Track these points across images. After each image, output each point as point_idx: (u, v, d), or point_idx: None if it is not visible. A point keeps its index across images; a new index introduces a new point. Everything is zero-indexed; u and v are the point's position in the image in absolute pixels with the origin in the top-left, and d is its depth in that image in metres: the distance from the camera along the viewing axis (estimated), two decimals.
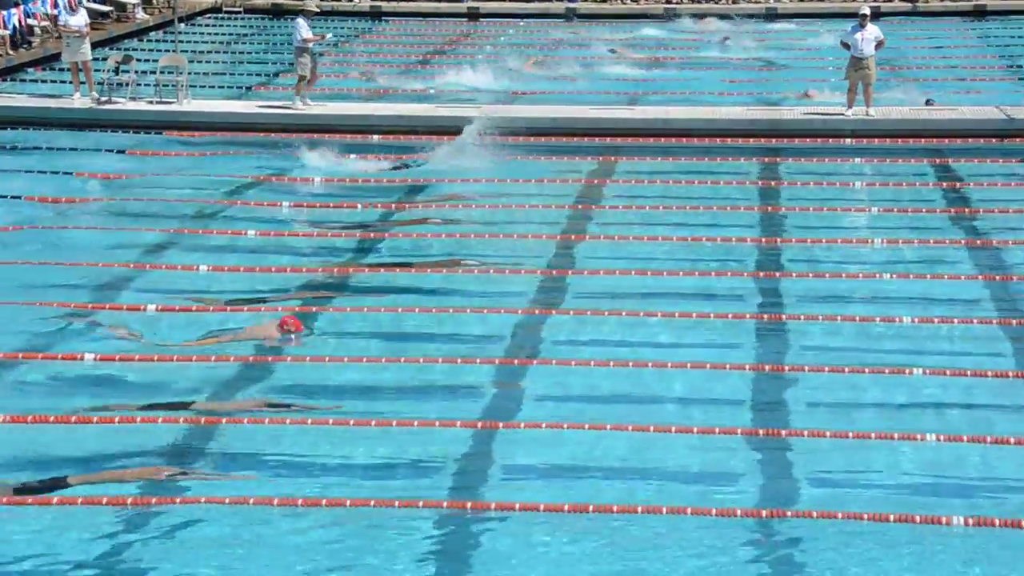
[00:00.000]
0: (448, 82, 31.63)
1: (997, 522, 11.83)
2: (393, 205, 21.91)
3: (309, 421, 13.86)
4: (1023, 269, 18.61)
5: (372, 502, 12.21)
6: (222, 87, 31.06)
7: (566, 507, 12.09)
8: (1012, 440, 13.44)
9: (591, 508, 12.06)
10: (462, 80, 31.84)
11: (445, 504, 12.23)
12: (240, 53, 36.04)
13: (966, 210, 21.64)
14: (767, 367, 15.29)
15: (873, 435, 13.52)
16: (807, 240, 19.99)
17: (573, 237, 20.16)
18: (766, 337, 16.26)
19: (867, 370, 15.14)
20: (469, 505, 12.23)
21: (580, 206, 21.82)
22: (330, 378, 14.97)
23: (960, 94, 29.79)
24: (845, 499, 12.33)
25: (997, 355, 15.70)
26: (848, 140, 26.23)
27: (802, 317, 16.86)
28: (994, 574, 11.18)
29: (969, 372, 15.06)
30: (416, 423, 13.81)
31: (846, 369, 15.17)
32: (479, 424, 13.86)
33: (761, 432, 13.71)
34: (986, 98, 28.87)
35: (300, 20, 27.41)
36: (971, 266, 18.79)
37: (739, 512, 12.05)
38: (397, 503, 12.18)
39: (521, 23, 40.09)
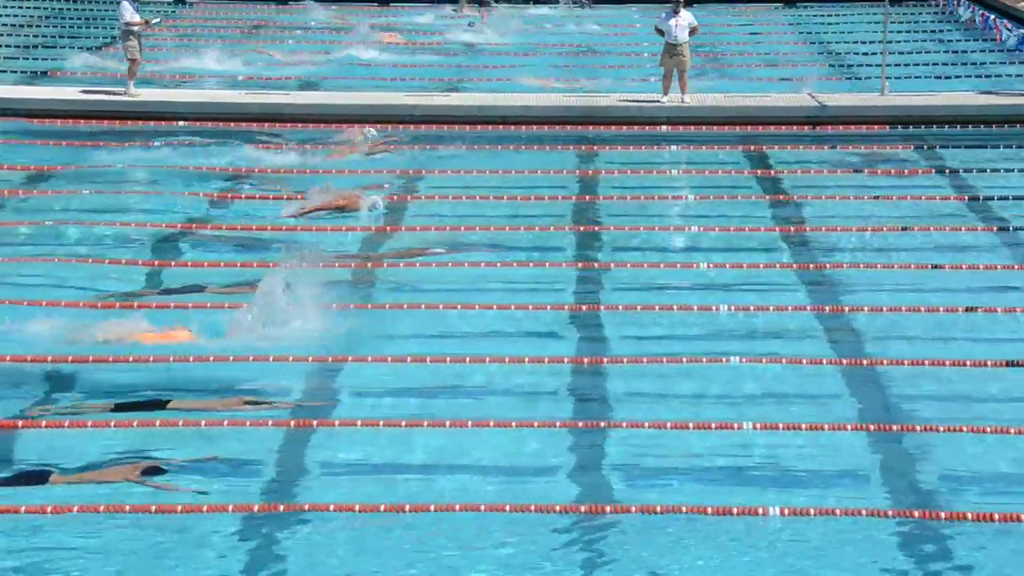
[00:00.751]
0: (260, 68, 31.20)
1: (812, 511, 11.78)
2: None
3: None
4: (837, 256, 18.73)
5: (179, 508, 11.82)
6: (14, 71, 30.16)
7: (382, 507, 11.81)
8: (826, 426, 13.45)
9: (408, 508, 11.82)
10: (271, 65, 31.47)
11: (256, 507, 11.89)
12: (35, 36, 35.01)
13: (780, 197, 21.76)
14: (585, 360, 15.14)
15: (691, 424, 13.45)
16: (625, 228, 19.91)
17: (389, 229, 19.84)
18: (584, 328, 16.12)
19: (684, 359, 15.08)
20: (282, 507, 11.90)
21: (395, 197, 21.47)
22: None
23: (773, 81, 30.03)
24: (665, 491, 12.23)
25: (813, 341, 15.75)
26: (663, 127, 26.27)
27: (620, 307, 16.76)
28: (811, 565, 11.11)
29: (784, 359, 15.07)
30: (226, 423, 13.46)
31: (664, 359, 15.08)
32: (292, 423, 13.53)
33: (580, 424, 13.56)
34: (798, 85, 29.12)
35: (124, 3, 26.80)
36: (787, 254, 18.86)
37: (558, 508, 11.86)
38: (205, 507, 11.81)
39: (333, 7, 39.37)
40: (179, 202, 21.00)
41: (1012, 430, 13.30)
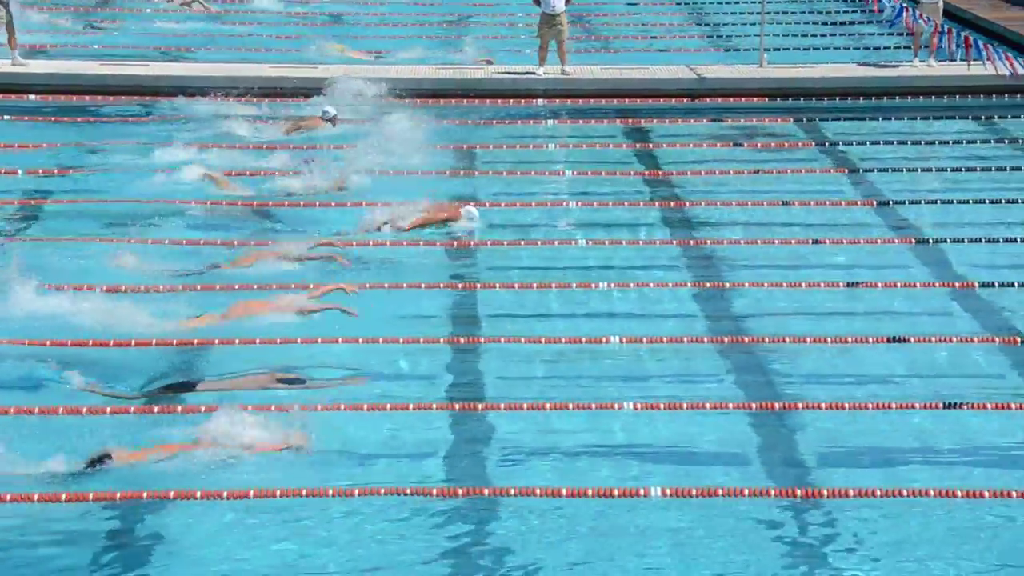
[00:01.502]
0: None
1: (695, 492, 11.56)
2: None
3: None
4: (717, 232, 18.48)
5: (35, 496, 11.38)
6: None
7: (251, 492, 11.43)
8: (708, 405, 13.24)
9: (278, 493, 11.44)
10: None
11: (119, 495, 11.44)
12: None
13: (659, 172, 21.50)
14: (461, 339, 14.77)
15: (571, 405, 13.14)
16: (501, 204, 19.53)
17: (256, 203, 19.30)
18: (461, 306, 15.74)
19: (564, 339, 14.76)
20: (145, 494, 11.46)
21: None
22: None
23: (652, 52, 29.79)
24: (540, 471, 11.95)
25: (692, 319, 15.52)
26: (540, 100, 25.90)
27: (497, 285, 16.39)
28: (692, 545, 10.88)
29: (665, 339, 14.80)
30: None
31: (543, 339, 14.73)
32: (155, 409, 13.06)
33: (457, 407, 13.23)
34: (677, 57, 28.91)
35: None
36: (666, 230, 18.60)
37: (409, 490, 11.55)
38: (64, 496, 11.40)
39: None
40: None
41: (894, 405, 13.11)
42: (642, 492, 11.54)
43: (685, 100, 26.16)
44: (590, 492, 11.52)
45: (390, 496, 11.45)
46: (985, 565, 10.58)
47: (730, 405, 13.27)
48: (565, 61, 26.53)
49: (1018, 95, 24.98)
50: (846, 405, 13.15)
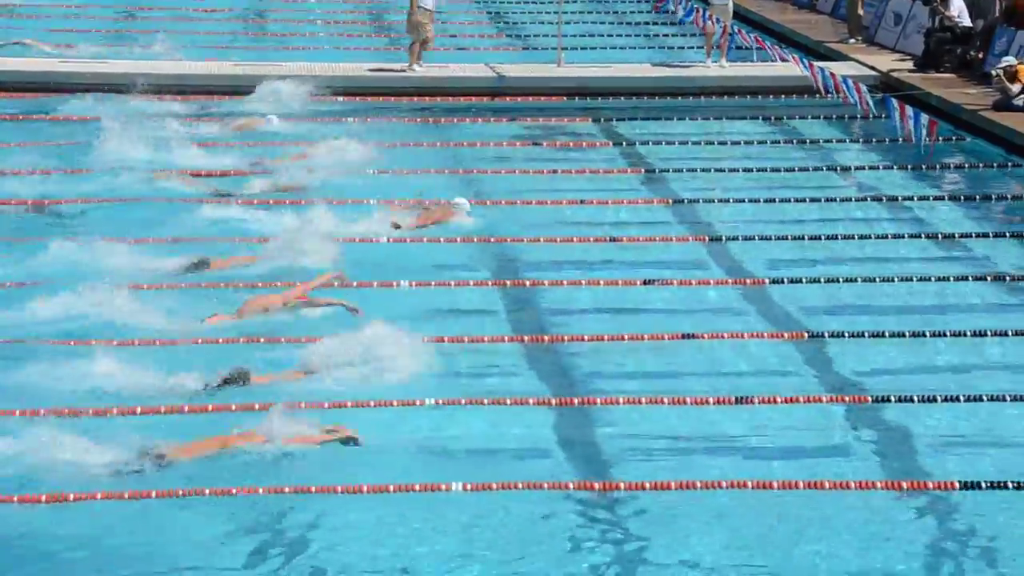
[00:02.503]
0: None
1: (495, 485, 11.68)
2: None
3: None
4: (518, 231, 18.68)
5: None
6: None
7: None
8: (508, 401, 13.39)
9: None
10: None
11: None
12: None
13: (460, 170, 21.69)
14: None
15: (372, 403, 13.18)
16: (301, 201, 19.51)
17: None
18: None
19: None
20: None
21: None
22: None
23: (451, 52, 29.98)
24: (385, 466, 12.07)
25: (493, 318, 15.70)
26: (340, 99, 25.81)
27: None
28: (501, 541, 11.05)
29: (467, 338, 14.94)
30: None
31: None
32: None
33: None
34: (476, 56, 29.16)
35: None
36: (467, 228, 18.74)
37: (261, 490, 11.60)
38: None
39: None
40: None
41: (689, 400, 13.46)
42: (443, 487, 11.64)
43: (485, 99, 26.40)
44: (417, 487, 11.63)
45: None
46: (769, 557, 10.93)
47: (531, 401, 13.48)
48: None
49: (805, 95, 25.65)
50: (643, 400, 13.46)
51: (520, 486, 11.72)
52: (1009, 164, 22.46)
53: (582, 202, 19.97)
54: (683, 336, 15.04)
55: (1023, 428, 13.19)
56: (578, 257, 17.70)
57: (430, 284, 16.48)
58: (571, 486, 11.85)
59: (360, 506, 11.47)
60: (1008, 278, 17.06)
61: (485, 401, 13.35)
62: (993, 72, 25.04)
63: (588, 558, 10.82)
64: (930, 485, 11.92)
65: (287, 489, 11.60)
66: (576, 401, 13.54)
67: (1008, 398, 13.54)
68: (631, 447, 12.75)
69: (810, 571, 10.68)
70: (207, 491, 11.55)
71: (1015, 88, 24.48)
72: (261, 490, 11.59)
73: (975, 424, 13.22)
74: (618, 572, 10.66)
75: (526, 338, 15.07)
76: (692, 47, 30.38)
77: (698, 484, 11.80)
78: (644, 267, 17.25)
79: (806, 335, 15.14)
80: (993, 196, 20.66)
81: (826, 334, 15.11)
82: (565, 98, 26.45)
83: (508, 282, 16.69)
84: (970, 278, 17.06)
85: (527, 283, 16.68)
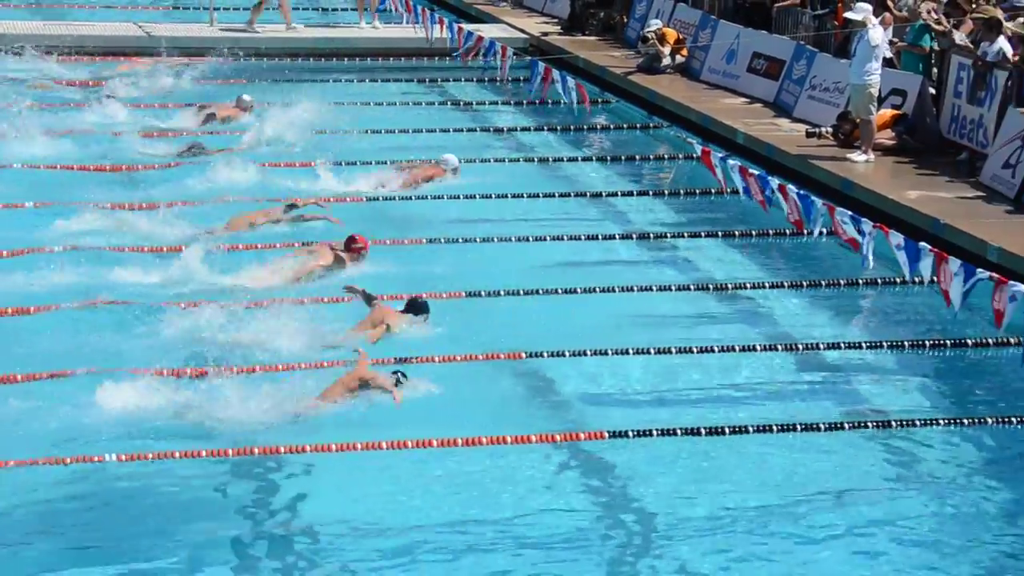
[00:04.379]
0: None
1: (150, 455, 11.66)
2: None
3: None
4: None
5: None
6: None
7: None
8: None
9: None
10: None
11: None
12: None
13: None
14: None
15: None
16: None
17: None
18: None
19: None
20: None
21: None
22: None
23: (99, 9, 29.35)
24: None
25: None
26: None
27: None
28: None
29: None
30: None
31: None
32: None
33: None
34: (126, 14, 28.70)
35: None
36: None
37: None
38: None
39: None
40: None
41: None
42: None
43: (137, 58, 26.04)
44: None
45: None
46: None
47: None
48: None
49: (453, 58, 25.97)
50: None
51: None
52: (651, 126, 23.43)
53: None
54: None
55: (650, 380, 13.77)
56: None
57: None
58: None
59: None
60: (651, 236, 17.89)
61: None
62: (647, 34, 25.91)
63: None
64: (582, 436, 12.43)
65: None
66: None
67: (646, 351, 13.99)
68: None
69: None
70: None
71: (666, 50, 25.50)
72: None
73: (617, 378, 13.75)
74: None
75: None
76: (346, 9, 30.54)
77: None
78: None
79: (463, 294, 15.36)
80: (637, 157, 21.49)
81: (482, 293, 15.44)
82: (220, 59, 26.27)
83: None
84: (617, 236, 17.78)
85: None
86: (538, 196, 19.20)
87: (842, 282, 16.04)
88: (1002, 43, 19.31)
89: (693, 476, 11.81)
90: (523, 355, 13.77)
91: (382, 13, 28.47)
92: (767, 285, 16.14)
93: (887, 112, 20.30)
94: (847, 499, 11.58)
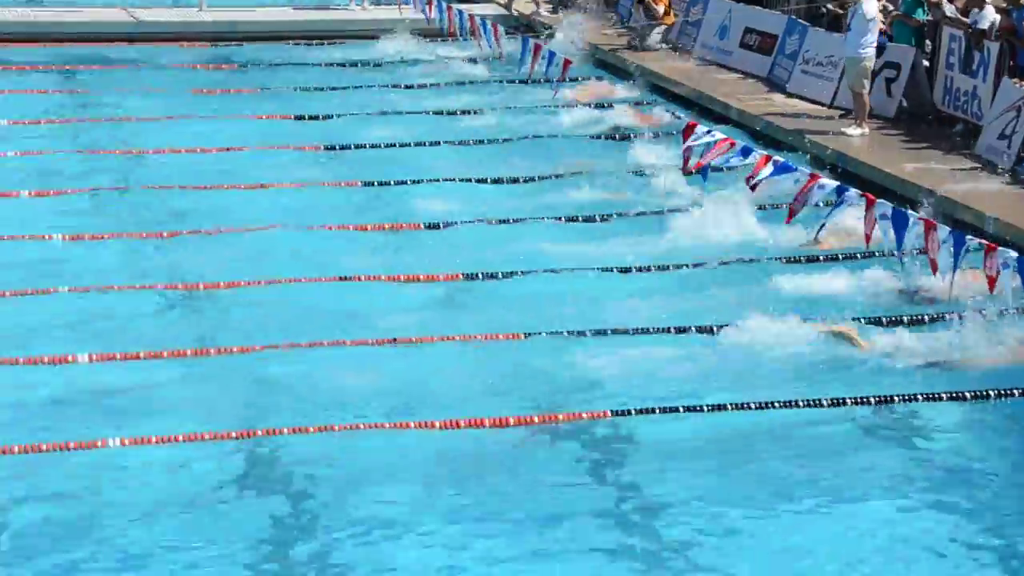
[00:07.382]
0: None
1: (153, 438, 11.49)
2: None
3: None
4: (166, 179, 18.36)
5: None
6: None
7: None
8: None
9: None
10: None
11: None
12: None
13: (101, 119, 21.19)
14: None
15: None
16: None
17: None
18: None
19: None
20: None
21: None
22: None
23: None
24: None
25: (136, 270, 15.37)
26: None
27: None
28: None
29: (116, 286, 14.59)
30: None
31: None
32: None
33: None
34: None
35: None
36: (113, 177, 18.33)
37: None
38: None
39: None
40: None
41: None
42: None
43: (124, 44, 25.85)
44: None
45: None
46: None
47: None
48: None
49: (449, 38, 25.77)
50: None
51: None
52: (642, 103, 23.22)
53: (228, 149, 19.71)
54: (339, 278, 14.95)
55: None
56: (223, 207, 17.30)
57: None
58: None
59: None
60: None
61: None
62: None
63: None
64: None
65: None
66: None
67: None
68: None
69: None
70: None
71: (660, 9, 25.41)
72: None
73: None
74: None
75: (160, 285, 14.77)
76: None
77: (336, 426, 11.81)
78: (295, 212, 17.11)
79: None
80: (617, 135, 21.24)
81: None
82: (208, 44, 26.11)
83: (145, 234, 16.21)
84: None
85: (165, 234, 16.12)
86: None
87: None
88: (990, 12, 19.22)
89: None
90: None
91: None
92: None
93: None
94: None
